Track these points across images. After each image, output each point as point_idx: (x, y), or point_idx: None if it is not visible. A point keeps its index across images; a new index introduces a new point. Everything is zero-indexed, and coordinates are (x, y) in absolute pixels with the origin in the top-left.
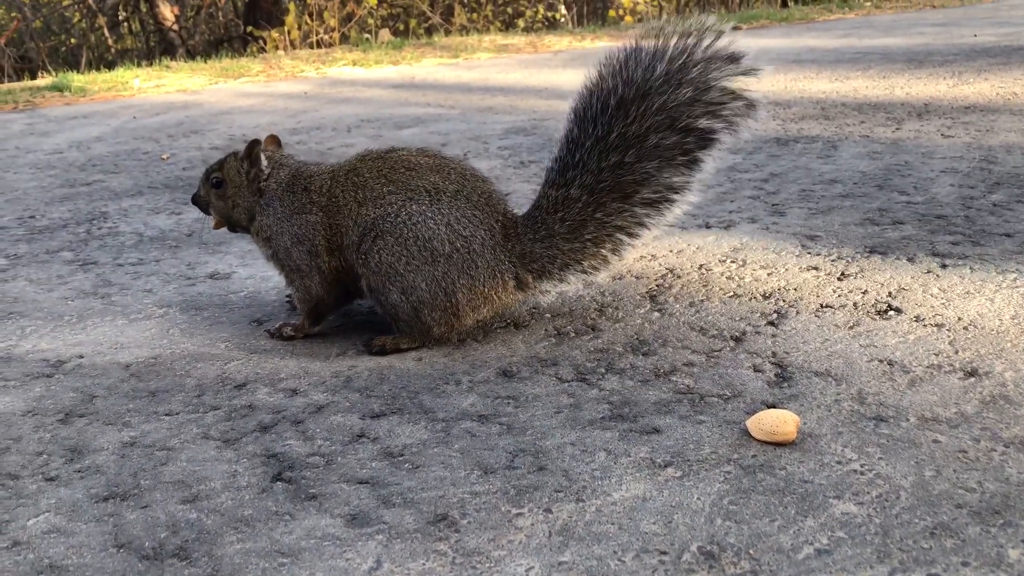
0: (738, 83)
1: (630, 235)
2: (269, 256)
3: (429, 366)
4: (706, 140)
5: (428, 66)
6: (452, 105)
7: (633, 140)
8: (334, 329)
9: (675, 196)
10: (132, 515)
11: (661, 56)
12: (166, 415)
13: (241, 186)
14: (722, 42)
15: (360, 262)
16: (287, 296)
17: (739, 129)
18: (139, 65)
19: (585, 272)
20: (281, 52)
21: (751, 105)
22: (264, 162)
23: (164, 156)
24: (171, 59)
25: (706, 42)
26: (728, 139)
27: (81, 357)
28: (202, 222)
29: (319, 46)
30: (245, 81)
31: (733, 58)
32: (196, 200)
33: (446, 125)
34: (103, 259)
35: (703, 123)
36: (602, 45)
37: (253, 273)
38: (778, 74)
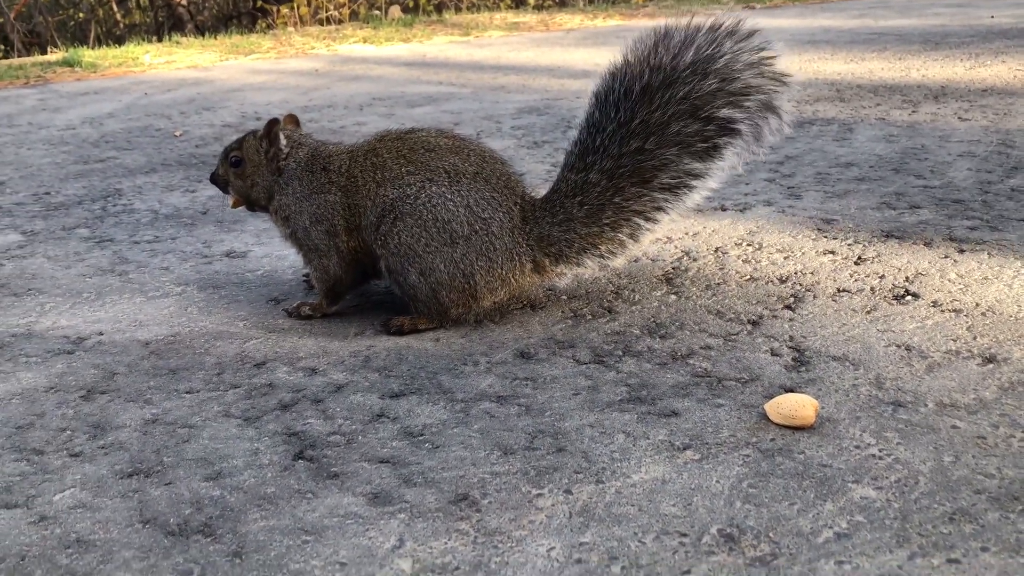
0: (767, 78)
1: (648, 219)
2: (287, 235)
3: (447, 347)
4: (726, 129)
5: (439, 44)
6: (464, 84)
7: (655, 127)
8: (351, 309)
9: (694, 182)
10: (156, 491)
11: (690, 44)
12: (187, 393)
13: (260, 165)
14: (754, 41)
15: (379, 243)
16: (303, 275)
17: (761, 125)
18: (149, 41)
19: (602, 256)
20: (291, 29)
21: (772, 108)
22: (283, 141)
23: (177, 133)
24: (180, 34)
25: (735, 36)
26: (750, 133)
27: (101, 334)
28: (216, 199)
29: (328, 22)
30: (256, 58)
31: (764, 55)
32: (215, 179)
33: (458, 104)
34: (119, 236)
35: (724, 112)
36: (614, 24)
37: (269, 252)
38: (793, 55)
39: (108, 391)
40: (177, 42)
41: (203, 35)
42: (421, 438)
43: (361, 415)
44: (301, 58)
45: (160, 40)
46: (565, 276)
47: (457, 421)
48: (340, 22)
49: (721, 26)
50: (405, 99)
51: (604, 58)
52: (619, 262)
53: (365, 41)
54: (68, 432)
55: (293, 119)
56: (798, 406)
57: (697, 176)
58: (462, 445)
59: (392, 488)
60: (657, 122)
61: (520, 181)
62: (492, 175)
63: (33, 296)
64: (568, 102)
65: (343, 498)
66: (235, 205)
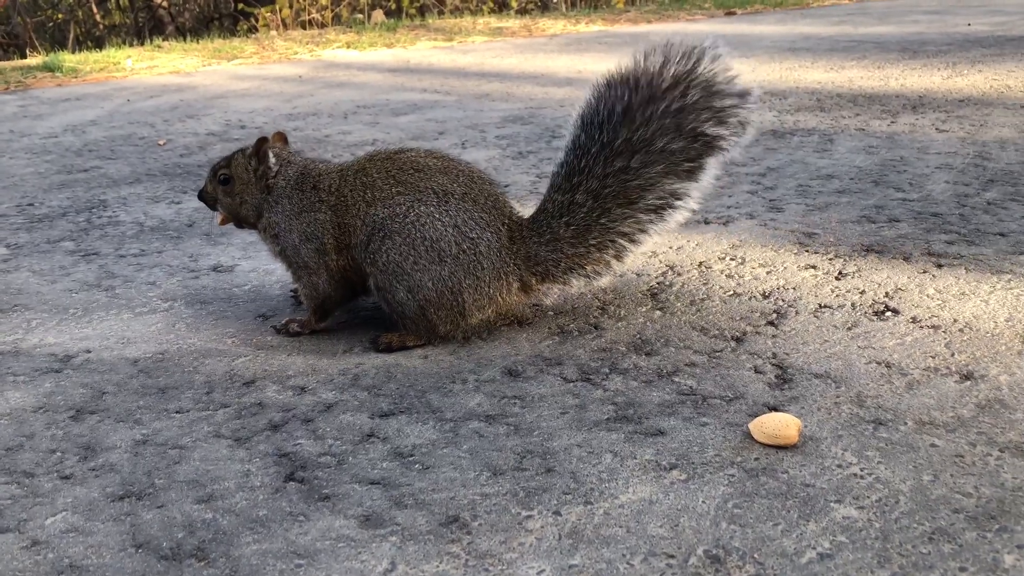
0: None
1: (632, 241)
2: (276, 253)
3: (435, 364)
4: (711, 147)
5: (423, 49)
6: (448, 91)
7: (640, 144)
8: (340, 325)
9: (678, 203)
10: (148, 515)
11: (667, 67)
12: (176, 413)
13: (249, 183)
14: (722, 65)
15: (368, 261)
16: (291, 291)
17: (740, 138)
18: (131, 44)
19: (588, 276)
20: (274, 33)
21: (745, 123)
22: (272, 159)
23: (161, 142)
24: (161, 37)
25: (708, 62)
26: (731, 149)
27: (88, 352)
28: (202, 212)
29: (311, 26)
30: (239, 63)
31: (736, 89)
32: (203, 196)
33: (442, 112)
34: (105, 250)
35: (710, 129)
36: (596, 29)
37: (256, 266)
38: (773, 63)
39: (97, 411)
40: (159, 46)
41: (184, 38)
42: (411, 459)
43: (351, 435)
44: (284, 63)
45: (141, 43)
46: (551, 294)
47: (447, 441)
48: (323, 26)
49: (693, 54)
50: (390, 107)
51: (587, 65)
52: (604, 281)
53: (349, 46)
54: (58, 454)
55: (281, 136)
56: (781, 426)
57: (680, 196)
58: (452, 466)
59: (383, 510)
60: (641, 139)
61: (508, 201)
62: (480, 195)
63: (19, 312)
64: (552, 111)
65: (335, 521)
66: (223, 222)
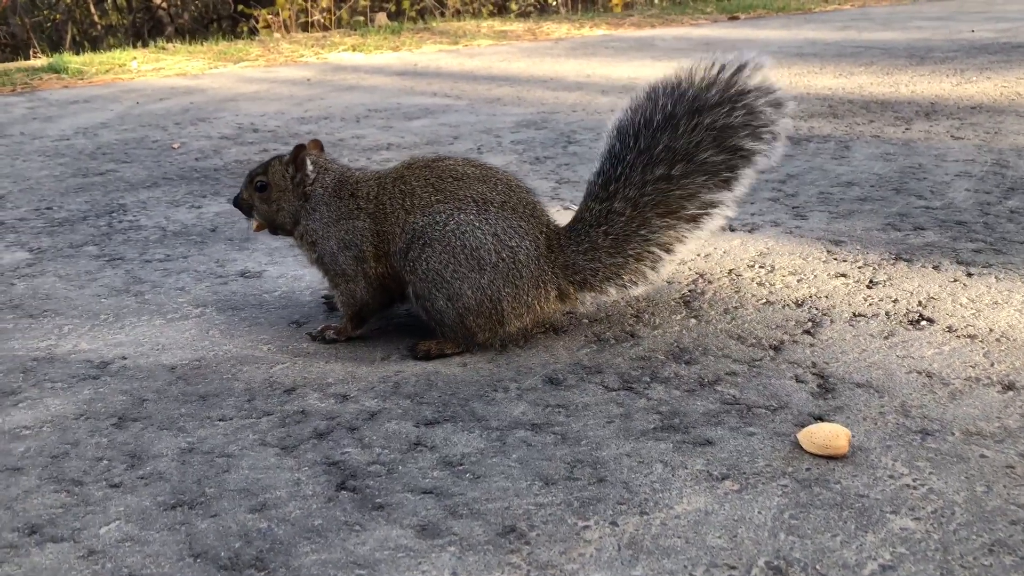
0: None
1: (668, 251)
2: (313, 260)
3: (475, 372)
4: (748, 160)
5: (428, 53)
6: (459, 95)
7: (682, 154)
8: (374, 332)
9: (714, 211)
10: (203, 524)
11: (713, 81)
12: (220, 420)
13: (286, 190)
14: (763, 77)
15: (408, 269)
16: (323, 297)
17: (774, 150)
18: (130, 44)
19: (624, 285)
20: (278, 35)
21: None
22: (310, 167)
23: (175, 145)
24: (161, 37)
25: (749, 73)
26: (763, 161)
27: (124, 358)
28: (225, 216)
29: (314, 28)
30: (245, 65)
31: (775, 98)
32: (238, 203)
33: (455, 116)
34: (129, 254)
35: (748, 144)
36: (601, 33)
37: (284, 272)
38: (782, 68)
39: (140, 418)
40: (163, 48)
41: (184, 38)
42: (461, 468)
43: (398, 444)
44: (291, 66)
45: (144, 45)
46: (587, 303)
47: (495, 450)
48: (326, 28)
49: (736, 67)
50: (401, 111)
51: (595, 69)
52: (639, 291)
53: (354, 49)
54: (105, 462)
55: (317, 144)
56: (832, 436)
57: (716, 205)
58: (503, 475)
59: (439, 520)
60: (683, 148)
61: (545, 210)
62: (519, 204)
63: (50, 318)
64: (565, 115)
65: (391, 530)
66: (258, 229)
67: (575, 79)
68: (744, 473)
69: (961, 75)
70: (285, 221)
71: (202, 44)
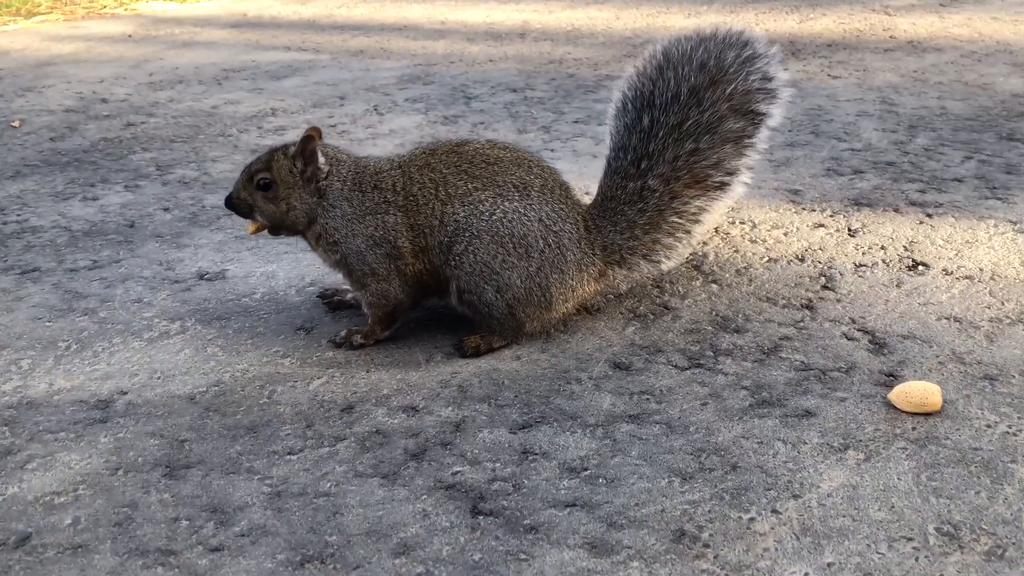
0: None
1: (698, 222)
2: (336, 262)
3: (535, 365)
4: (760, 123)
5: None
6: (316, 48)
7: (706, 127)
8: (397, 332)
9: (732, 179)
10: None
11: (729, 45)
12: (290, 454)
13: (295, 186)
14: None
15: (453, 263)
16: (318, 295)
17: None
18: None
19: (659, 262)
20: None
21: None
22: (322, 159)
23: (14, 123)
24: None
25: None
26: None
27: (124, 393)
28: (134, 207)
29: None
30: (41, 20)
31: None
32: (234, 204)
33: (326, 73)
34: (45, 264)
35: (762, 107)
36: None
37: (249, 270)
38: (630, 8)
39: (192, 463)
40: None
41: None
42: (588, 473)
43: (506, 455)
44: (98, 19)
45: None
46: (622, 282)
47: (610, 449)
48: None
49: (742, 35)
50: (263, 70)
51: (446, 15)
52: (670, 265)
53: None
54: (185, 522)
55: (317, 131)
56: (928, 393)
57: (735, 172)
58: (636, 475)
59: (602, 534)
60: (707, 121)
61: (573, 191)
62: (556, 186)
63: None
64: (445, 68)
65: (562, 553)
66: (256, 230)
67: (431, 26)
68: (860, 440)
69: (798, 12)
70: (298, 220)
71: None
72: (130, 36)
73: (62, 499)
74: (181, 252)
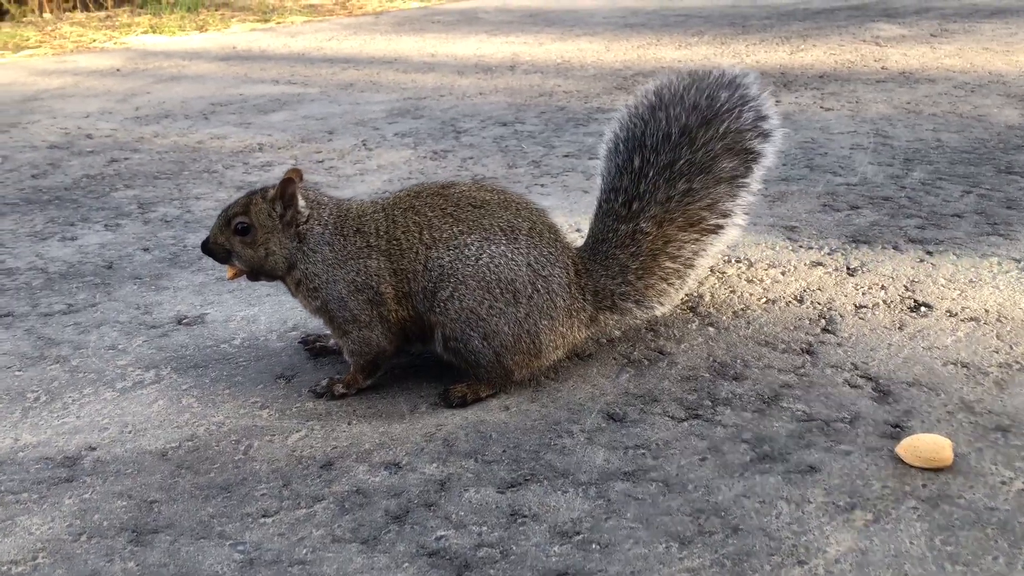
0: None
1: (691, 266)
2: (316, 308)
3: (524, 416)
4: (756, 162)
5: (241, 32)
6: (304, 82)
7: (699, 167)
8: (379, 380)
9: (726, 221)
10: None
11: (722, 86)
12: (264, 517)
13: (274, 231)
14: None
15: (437, 310)
16: (300, 340)
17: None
18: None
19: (652, 307)
20: (49, 16)
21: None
22: (302, 203)
23: None
24: None
25: (755, 87)
26: (767, 161)
27: (92, 449)
28: (113, 248)
29: (96, 7)
30: (29, 55)
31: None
32: (210, 248)
33: (315, 107)
34: (18, 308)
35: (756, 146)
36: (418, 7)
37: (229, 313)
38: (622, 40)
39: (160, 528)
40: None
41: None
42: (580, 538)
43: (493, 517)
44: (87, 54)
45: None
46: (614, 328)
47: (604, 511)
48: (101, 5)
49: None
50: (250, 103)
51: (436, 48)
52: (663, 311)
53: (154, 31)
54: None
55: (298, 173)
56: (937, 448)
57: (728, 215)
58: (631, 540)
59: None
60: (700, 161)
61: (563, 233)
62: (544, 229)
63: None
64: (435, 101)
65: None
66: (233, 276)
67: (421, 59)
68: (867, 499)
69: (789, 43)
70: (277, 266)
71: None
72: (118, 70)
73: (19, 569)
74: (160, 295)
